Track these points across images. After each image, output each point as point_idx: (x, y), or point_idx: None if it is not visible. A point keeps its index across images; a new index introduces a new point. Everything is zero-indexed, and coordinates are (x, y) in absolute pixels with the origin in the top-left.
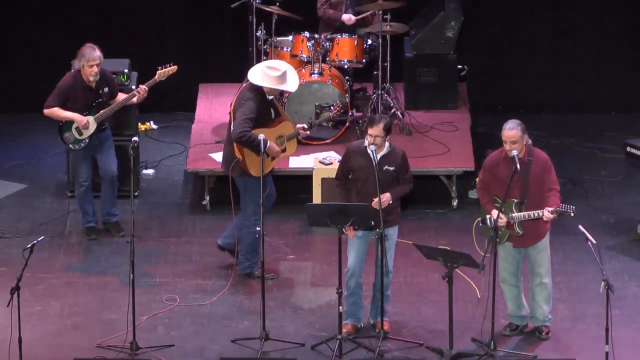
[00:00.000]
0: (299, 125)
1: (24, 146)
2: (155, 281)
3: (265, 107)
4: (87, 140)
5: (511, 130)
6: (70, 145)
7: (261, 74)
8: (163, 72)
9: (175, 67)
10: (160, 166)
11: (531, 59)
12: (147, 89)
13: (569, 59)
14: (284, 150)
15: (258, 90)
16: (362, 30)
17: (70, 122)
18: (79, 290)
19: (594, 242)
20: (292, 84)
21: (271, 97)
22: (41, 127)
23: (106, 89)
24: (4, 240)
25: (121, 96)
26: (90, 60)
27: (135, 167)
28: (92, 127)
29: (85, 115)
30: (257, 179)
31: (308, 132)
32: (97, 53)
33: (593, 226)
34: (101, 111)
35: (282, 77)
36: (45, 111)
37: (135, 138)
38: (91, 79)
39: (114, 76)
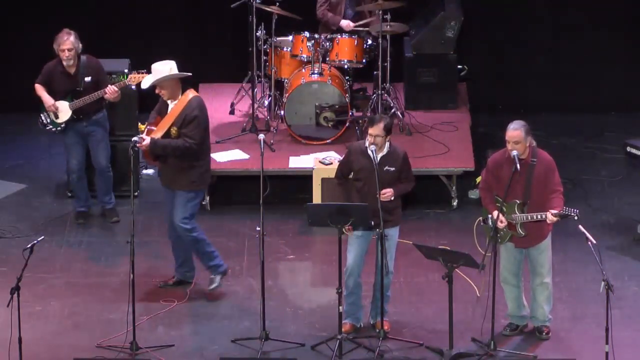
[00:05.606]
0: (144, 136)
1: (24, 146)
2: (156, 281)
3: (162, 102)
4: (63, 126)
5: (514, 130)
6: (47, 128)
7: None
8: (134, 78)
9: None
10: None
11: (531, 59)
12: (117, 90)
13: (569, 59)
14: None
15: None
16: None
17: None
18: (79, 290)
19: (594, 242)
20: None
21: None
22: None
23: (88, 79)
24: (4, 240)
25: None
26: (61, 44)
27: (135, 167)
28: (66, 113)
29: (60, 100)
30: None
31: (142, 146)
32: (70, 39)
33: (593, 226)
34: (79, 99)
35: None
36: (35, 86)
37: (136, 138)
38: (64, 63)
39: (114, 76)
